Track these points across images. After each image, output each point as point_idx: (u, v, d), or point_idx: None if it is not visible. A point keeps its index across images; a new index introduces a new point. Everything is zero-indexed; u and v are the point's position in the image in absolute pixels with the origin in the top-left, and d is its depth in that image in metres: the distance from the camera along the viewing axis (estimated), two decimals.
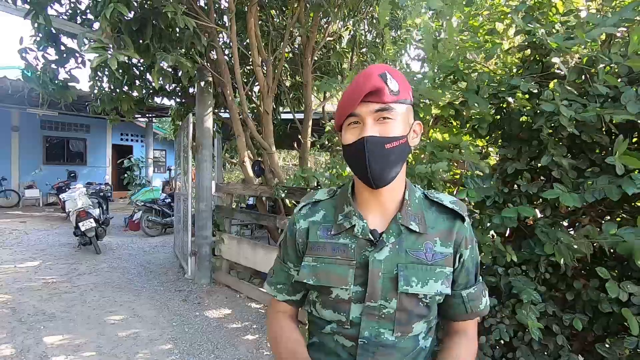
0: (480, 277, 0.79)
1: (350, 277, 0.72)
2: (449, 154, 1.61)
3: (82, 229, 5.44)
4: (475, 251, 0.78)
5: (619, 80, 1.31)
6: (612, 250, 1.48)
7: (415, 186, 0.81)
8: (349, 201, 0.76)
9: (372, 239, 0.72)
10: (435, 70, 1.74)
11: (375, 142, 0.67)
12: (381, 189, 0.72)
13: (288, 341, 0.78)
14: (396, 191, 0.75)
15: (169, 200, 7.42)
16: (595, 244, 1.37)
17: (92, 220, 5.53)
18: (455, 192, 2.12)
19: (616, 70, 1.35)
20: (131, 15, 3.28)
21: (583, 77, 1.42)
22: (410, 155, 2.02)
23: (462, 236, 0.75)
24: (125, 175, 11.31)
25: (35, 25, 3.40)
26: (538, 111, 1.39)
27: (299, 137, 4.72)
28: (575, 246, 1.37)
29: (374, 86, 0.66)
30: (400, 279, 0.70)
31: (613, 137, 1.46)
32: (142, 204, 7.40)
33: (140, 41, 3.32)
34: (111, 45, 2.90)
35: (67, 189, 7.89)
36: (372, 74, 0.67)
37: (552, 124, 1.39)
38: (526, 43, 1.62)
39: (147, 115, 11.56)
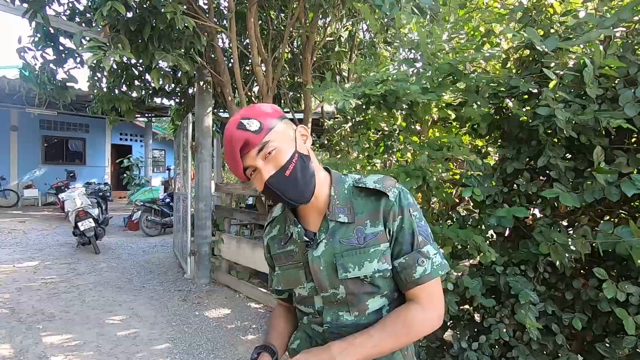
0: (426, 246, 0.77)
1: (302, 276, 0.82)
2: (443, 153, 1.62)
3: (81, 228, 5.43)
4: (408, 220, 0.77)
5: (617, 81, 1.32)
6: (611, 250, 1.49)
7: (345, 176, 0.85)
8: (288, 212, 0.86)
9: (307, 239, 0.81)
10: (435, 71, 1.74)
11: (276, 179, 0.73)
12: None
13: (269, 325, 0.96)
14: (323, 192, 0.80)
15: (169, 200, 7.41)
16: (594, 244, 1.37)
17: (91, 220, 5.52)
18: (457, 192, 2.12)
19: (615, 69, 1.35)
20: (130, 15, 3.28)
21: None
22: (409, 154, 2.02)
23: (388, 210, 0.77)
24: (125, 175, 11.30)
25: (34, 25, 3.40)
26: (536, 112, 1.39)
27: None
28: (573, 247, 1.37)
29: (239, 141, 0.71)
30: (338, 268, 0.77)
31: (612, 137, 1.47)
32: (142, 203, 7.40)
33: (139, 41, 3.32)
34: (107, 45, 2.90)
35: (66, 189, 7.89)
36: (232, 133, 0.72)
37: (550, 125, 1.39)
38: (524, 44, 1.62)
39: (146, 115, 11.54)
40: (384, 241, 0.77)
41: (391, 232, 0.77)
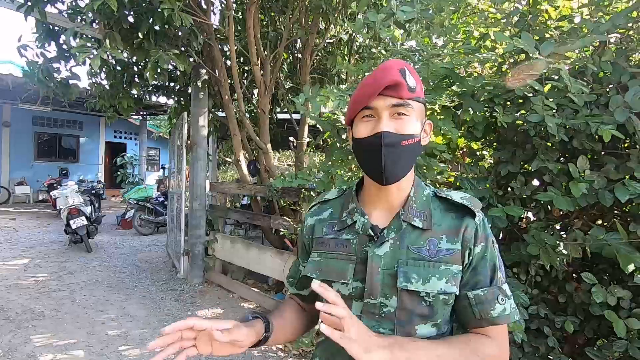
0: (504, 284, 0.71)
1: (350, 272, 0.72)
2: (432, 162, 1.63)
3: (73, 226, 5.37)
4: (491, 251, 0.71)
5: (610, 86, 1.33)
6: (602, 254, 1.50)
7: (426, 185, 0.79)
8: (353, 198, 0.78)
9: (372, 234, 0.72)
10: (430, 74, 1.75)
11: (392, 138, 0.67)
12: (388, 186, 0.72)
13: (276, 308, 0.85)
14: (403, 189, 0.74)
15: (162, 198, 7.37)
16: (586, 248, 1.38)
17: (83, 218, 5.46)
18: None
19: (608, 75, 1.37)
20: (125, 11, 3.26)
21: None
22: None
23: (472, 232, 0.70)
24: (118, 173, 11.21)
25: (32, 21, 3.37)
26: (527, 119, 1.40)
27: (295, 136, 4.72)
28: (565, 251, 1.38)
29: (392, 80, 0.65)
30: (399, 275, 0.68)
31: (606, 141, 1.48)
32: (135, 202, 7.33)
33: (136, 38, 3.30)
34: (96, 44, 2.88)
35: (58, 186, 7.79)
36: (391, 68, 0.67)
37: (542, 129, 1.40)
38: (518, 49, 1.63)
39: (141, 113, 11.47)
40: (457, 262, 0.69)
41: (470, 257, 0.70)
